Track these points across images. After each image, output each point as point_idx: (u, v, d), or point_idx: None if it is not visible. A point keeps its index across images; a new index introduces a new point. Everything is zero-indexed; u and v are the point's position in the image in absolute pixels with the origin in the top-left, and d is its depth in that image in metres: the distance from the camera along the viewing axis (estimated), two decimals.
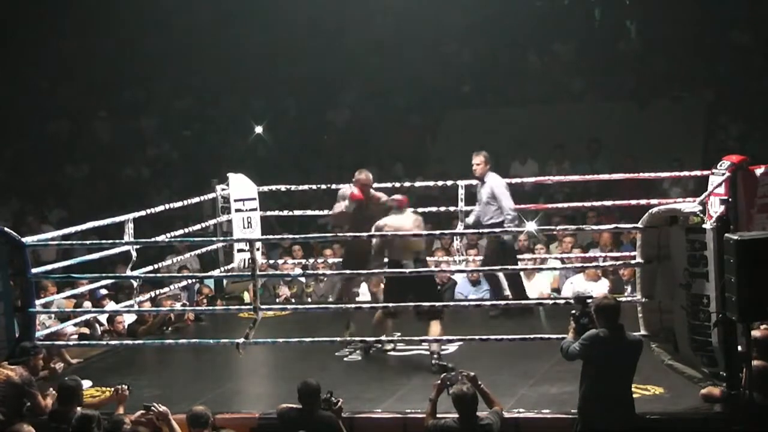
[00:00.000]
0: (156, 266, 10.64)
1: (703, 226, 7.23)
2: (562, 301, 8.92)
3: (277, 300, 11.96)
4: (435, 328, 8.62)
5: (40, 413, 7.37)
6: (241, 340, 8.43)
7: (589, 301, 7.18)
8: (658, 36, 17.74)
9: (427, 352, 8.80)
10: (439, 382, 7.05)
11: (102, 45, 18.68)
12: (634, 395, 7.13)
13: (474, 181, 11.63)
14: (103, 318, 10.42)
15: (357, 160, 17.13)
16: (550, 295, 11.38)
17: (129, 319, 10.41)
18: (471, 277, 11.41)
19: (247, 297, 11.28)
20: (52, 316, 9.90)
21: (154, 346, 9.67)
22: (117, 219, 9.67)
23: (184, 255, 11.83)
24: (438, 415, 6.98)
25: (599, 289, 10.67)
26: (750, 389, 6.87)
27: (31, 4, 18.33)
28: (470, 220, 10.51)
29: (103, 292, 11.01)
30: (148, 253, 11.69)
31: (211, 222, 11.08)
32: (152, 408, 7.09)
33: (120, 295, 11.21)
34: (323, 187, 11.68)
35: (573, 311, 7.24)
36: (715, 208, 7.75)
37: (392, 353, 9.10)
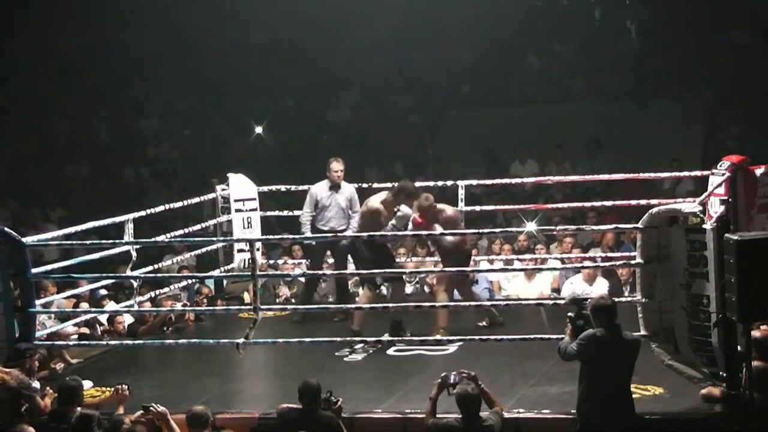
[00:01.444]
0: (156, 266, 10.64)
1: (703, 226, 7.23)
2: (562, 302, 8.90)
3: (277, 300, 11.96)
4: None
5: (40, 414, 7.37)
6: (241, 340, 8.43)
7: (586, 302, 7.19)
8: (658, 36, 17.74)
9: (428, 353, 8.83)
10: (439, 381, 7.05)
11: (102, 45, 18.68)
12: (634, 395, 7.14)
13: (474, 181, 11.65)
14: (103, 318, 10.42)
15: (357, 160, 17.17)
16: (550, 295, 11.38)
17: (129, 319, 10.41)
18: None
19: (247, 297, 11.28)
20: (52, 316, 9.90)
21: (154, 346, 9.67)
22: (117, 219, 9.67)
23: (183, 255, 11.83)
24: (438, 415, 6.99)
25: (597, 289, 10.67)
26: (750, 389, 6.87)
27: (31, 4, 18.33)
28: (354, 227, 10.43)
29: (103, 292, 11.01)
30: (148, 253, 11.69)
31: (211, 222, 11.08)
32: (151, 408, 7.08)
33: (120, 295, 11.21)
34: None
35: (569, 313, 7.26)
36: (715, 208, 7.74)
37: (392, 353, 9.10)
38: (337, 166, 10.61)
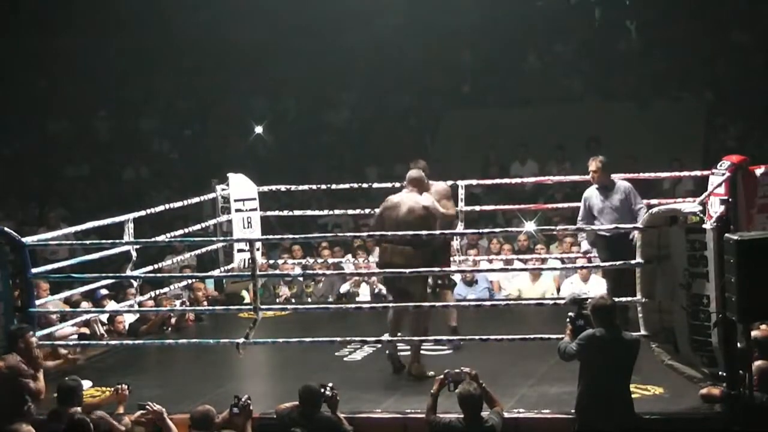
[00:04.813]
0: (157, 266, 10.63)
1: (703, 226, 7.23)
2: (562, 302, 8.89)
3: (277, 300, 11.96)
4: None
5: (37, 398, 7.36)
6: (241, 340, 8.42)
7: (586, 302, 7.20)
8: (658, 36, 17.76)
9: (428, 353, 8.82)
10: (441, 377, 7.05)
11: (102, 44, 18.70)
12: (634, 395, 7.14)
13: (474, 181, 11.63)
14: (104, 318, 10.42)
15: (357, 160, 17.19)
16: (552, 295, 11.38)
17: (129, 318, 10.41)
18: (465, 278, 11.39)
19: (247, 297, 11.27)
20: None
21: (154, 346, 9.67)
22: (117, 219, 9.66)
23: (183, 255, 11.82)
24: (438, 414, 6.99)
25: (595, 289, 10.66)
26: (750, 389, 6.87)
27: (31, 4, 18.34)
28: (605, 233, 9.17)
29: (104, 292, 11.00)
30: (148, 253, 11.69)
31: (211, 222, 11.08)
32: (147, 407, 7.07)
33: (121, 295, 11.21)
34: (323, 187, 11.68)
35: (569, 313, 7.26)
36: (715, 208, 7.74)
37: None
38: (590, 166, 9.46)
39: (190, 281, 11.08)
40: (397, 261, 8.42)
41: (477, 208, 11.53)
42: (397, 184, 9.95)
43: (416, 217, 8.48)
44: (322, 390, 7.10)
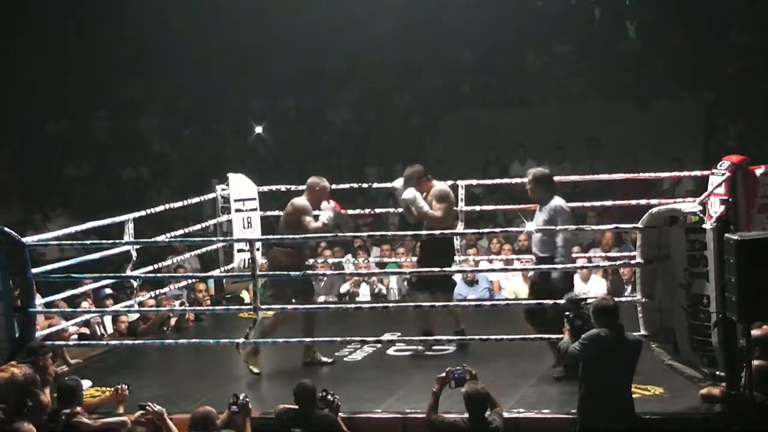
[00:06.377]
0: (157, 266, 10.65)
1: (703, 226, 7.23)
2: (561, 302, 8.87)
3: None
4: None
5: (42, 413, 7.37)
6: (241, 340, 8.43)
7: (588, 302, 7.19)
8: (658, 36, 17.76)
9: (428, 353, 8.84)
10: (443, 375, 7.04)
11: (102, 44, 18.69)
12: (634, 395, 7.14)
13: (474, 181, 11.64)
14: (107, 318, 10.42)
15: (357, 160, 17.20)
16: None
17: (130, 317, 10.41)
18: (467, 278, 11.40)
19: (247, 297, 11.27)
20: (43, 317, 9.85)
21: (154, 346, 9.67)
22: (117, 219, 9.66)
23: (183, 255, 11.83)
24: (441, 414, 6.98)
25: (595, 289, 10.65)
26: (750, 389, 6.87)
27: (32, 4, 18.34)
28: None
29: (108, 291, 11.00)
30: (150, 253, 11.69)
31: (211, 222, 11.07)
32: (147, 407, 7.06)
33: (122, 295, 11.21)
34: None
35: (567, 313, 7.26)
36: (715, 208, 7.74)
37: (392, 353, 9.10)
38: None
39: (189, 281, 11.08)
40: (270, 263, 8.91)
41: (477, 208, 11.53)
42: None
43: (284, 218, 9.03)
44: (324, 395, 7.09)
